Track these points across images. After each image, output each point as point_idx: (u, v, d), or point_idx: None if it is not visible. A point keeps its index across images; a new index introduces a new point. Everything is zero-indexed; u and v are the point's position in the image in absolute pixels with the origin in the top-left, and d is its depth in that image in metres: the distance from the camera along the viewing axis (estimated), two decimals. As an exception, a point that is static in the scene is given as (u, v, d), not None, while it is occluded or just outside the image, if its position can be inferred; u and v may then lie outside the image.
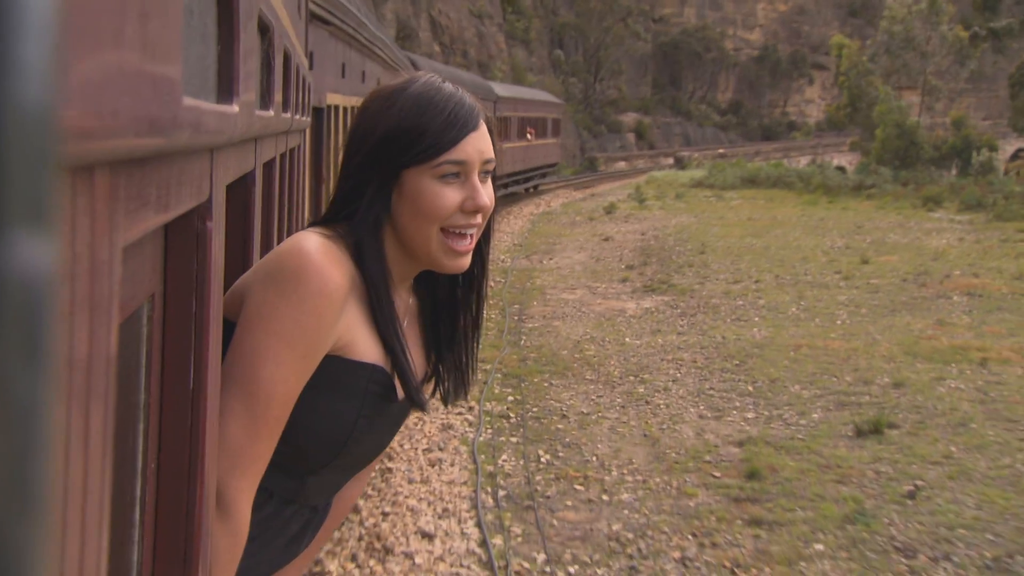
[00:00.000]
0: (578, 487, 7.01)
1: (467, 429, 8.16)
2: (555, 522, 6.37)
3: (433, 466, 7.29)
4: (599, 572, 5.73)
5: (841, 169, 38.08)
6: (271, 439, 1.44)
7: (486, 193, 1.59)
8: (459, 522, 6.28)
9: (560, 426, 8.33)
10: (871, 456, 7.55)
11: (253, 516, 1.46)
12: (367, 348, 1.56)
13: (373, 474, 5.73)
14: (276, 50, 1.99)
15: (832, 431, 8.14)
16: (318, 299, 1.43)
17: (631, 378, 9.87)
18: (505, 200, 31.04)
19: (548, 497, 6.79)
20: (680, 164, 51.20)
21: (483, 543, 5.94)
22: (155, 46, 0.66)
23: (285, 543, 1.64)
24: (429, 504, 6.56)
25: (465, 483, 6.99)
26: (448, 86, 1.61)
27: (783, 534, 6.19)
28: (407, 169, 1.55)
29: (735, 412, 8.71)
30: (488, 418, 8.45)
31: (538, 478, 7.15)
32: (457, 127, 1.55)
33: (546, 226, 24.95)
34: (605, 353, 10.89)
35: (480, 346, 1.83)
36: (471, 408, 8.67)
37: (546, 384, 9.58)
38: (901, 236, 21.23)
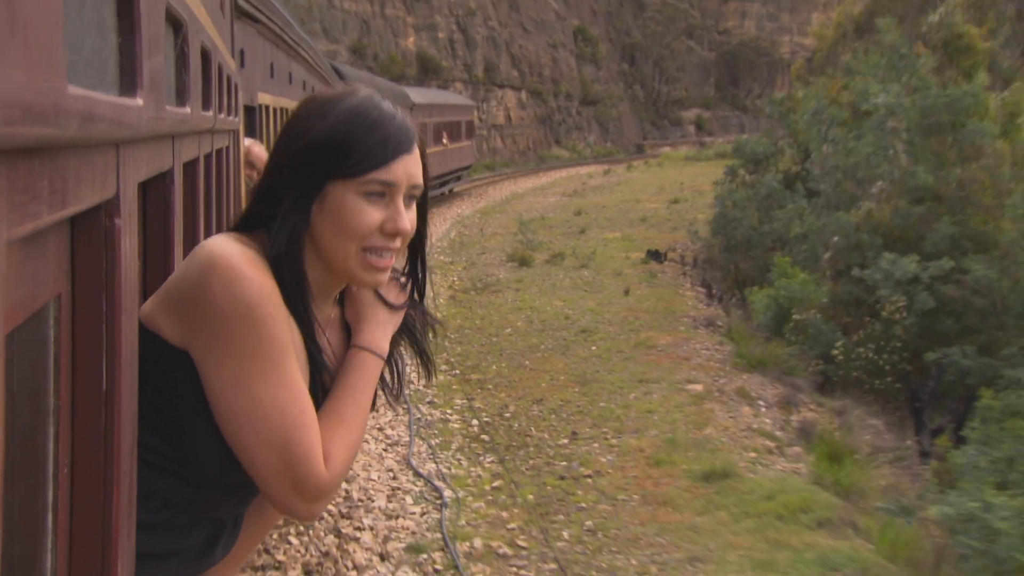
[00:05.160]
0: (475, 225, 26.86)
1: (456, 215, 28.22)
2: (468, 222, 26.25)
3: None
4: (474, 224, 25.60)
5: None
6: (306, 425, 1.46)
7: (408, 218, 1.57)
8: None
9: (490, 220, 28.12)
10: (574, 217, 27.01)
11: (145, 526, 1.42)
12: None
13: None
14: (191, 46, 1.95)
15: (566, 215, 27.68)
16: (263, 305, 1.43)
17: (523, 212, 29.50)
18: (546, 168, 50.43)
19: (476, 222, 26.72)
20: (702, 146, 69.42)
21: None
22: (26, 31, 0.65)
23: (193, 555, 1.60)
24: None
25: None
26: (388, 105, 1.60)
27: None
28: (333, 181, 1.53)
29: (547, 214, 28.31)
30: (458, 223, 28.44)
31: (468, 225, 27.03)
32: (391, 147, 1.54)
33: (561, 183, 44.38)
34: (522, 208, 30.53)
35: (431, 365, 1.83)
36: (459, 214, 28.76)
37: (493, 215, 29.39)
38: (737, 177, 39.67)
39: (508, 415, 9.35)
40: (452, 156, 32.98)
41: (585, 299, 15.26)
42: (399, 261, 1.67)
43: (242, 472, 1.49)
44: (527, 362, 11.37)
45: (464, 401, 9.79)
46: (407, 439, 8.42)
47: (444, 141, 31.11)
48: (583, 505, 7.09)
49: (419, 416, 9.13)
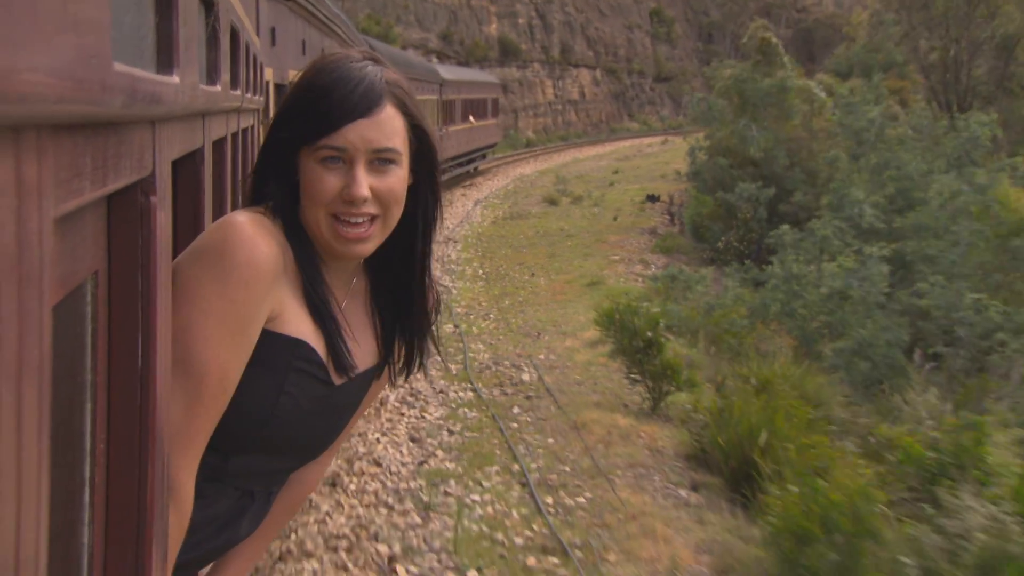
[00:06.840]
0: (530, 181, 33.70)
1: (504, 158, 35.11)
2: (525, 179, 33.10)
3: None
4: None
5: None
6: (208, 416, 1.44)
7: (383, 183, 1.55)
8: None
9: (544, 177, 34.93)
10: (611, 175, 33.58)
11: None
12: (297, 324, 1.55)
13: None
14: (222, 25, 1.97)
15: (606, 173, 34.26)
16: (245, 270, 1.43)
17: (574, 172, 36.19)
18: (613, 139, 56.72)
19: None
20: (766, 120, 74.83)
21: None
22: (76, 7, 0.66)
23: (216, 527, 1.63)
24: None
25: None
26: (347, 70, 1.56)
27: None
28: (301, 151, 1.55)
29: (592, 173, 34.96)
30: (517, 179, 35.31)
31: (524, 181, 33.89)
32: (337, 113, 1.52)
33: (621, 151, 50.69)
34: (575, 170, 37.25)
35: (433, 330, 1.82)
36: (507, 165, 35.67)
37: (548, 174, 36.20)
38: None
39: (501, 269, 16.25)
40: (477, 134, 32.59)
41: (583, 222, 21.98)
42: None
43: (269, 435, 1.56)
44: (524, 249, 18.23)
45: (478, 264, 16.72)
46: (439, 274, 15.40)
47: (470, 119, 31.17)
48: (521, 295, 13.98)
49: (449, 267, 16.17)
